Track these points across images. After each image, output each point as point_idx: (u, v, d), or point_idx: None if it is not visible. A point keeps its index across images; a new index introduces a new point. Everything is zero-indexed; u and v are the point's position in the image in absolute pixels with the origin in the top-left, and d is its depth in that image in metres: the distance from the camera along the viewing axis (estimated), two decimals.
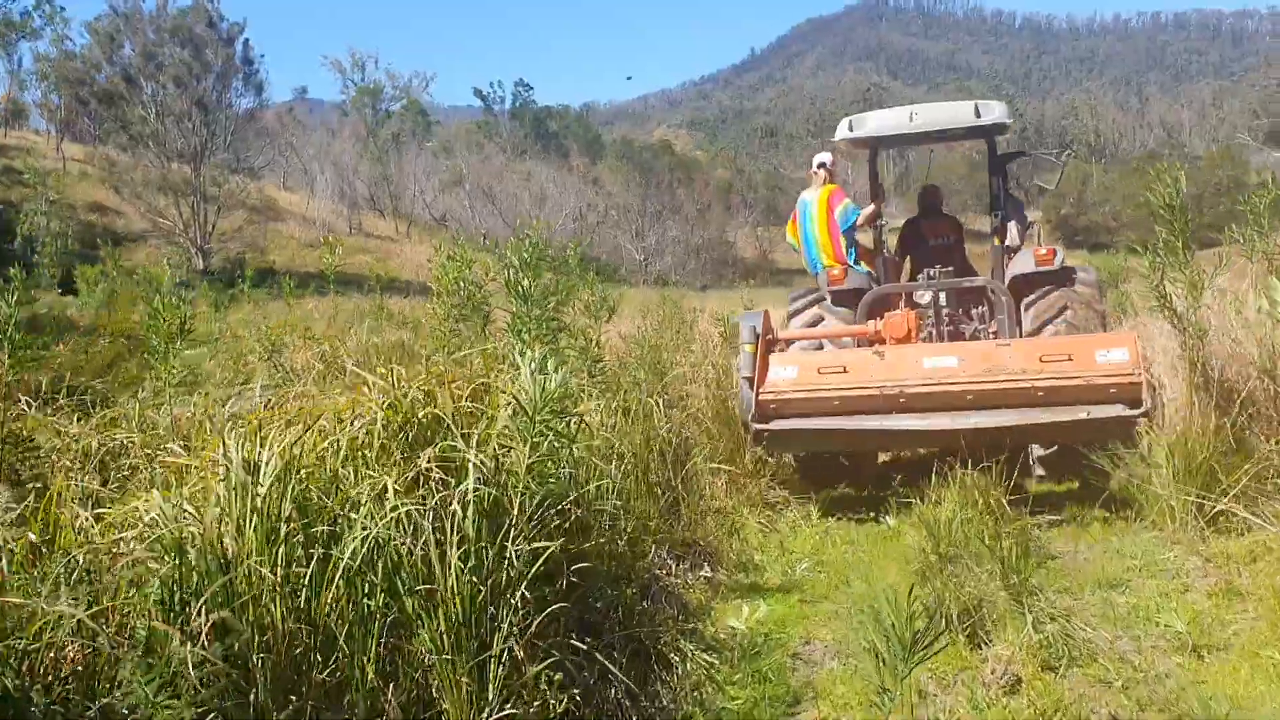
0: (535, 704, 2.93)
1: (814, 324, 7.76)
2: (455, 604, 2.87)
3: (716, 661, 3.87)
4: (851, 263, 8.17)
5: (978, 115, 7.84)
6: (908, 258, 9.07)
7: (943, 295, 8.00)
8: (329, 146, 79.58)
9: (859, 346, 7.23)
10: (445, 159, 76.80)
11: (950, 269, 8.31)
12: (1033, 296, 7.35)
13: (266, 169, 62.22)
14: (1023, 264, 7.53)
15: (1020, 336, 7.13)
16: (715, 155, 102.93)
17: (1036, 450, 6.92)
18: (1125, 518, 5.92)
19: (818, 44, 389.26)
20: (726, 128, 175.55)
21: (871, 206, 8.56)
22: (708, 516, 5.77)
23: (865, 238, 8.71)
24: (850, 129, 8.09)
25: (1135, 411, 5.73)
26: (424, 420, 3.35)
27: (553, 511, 3.24)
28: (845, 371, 6.47)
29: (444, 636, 2.86)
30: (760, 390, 6.52)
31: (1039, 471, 6.93)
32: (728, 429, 6.70)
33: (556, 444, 3.24)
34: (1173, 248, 5.60)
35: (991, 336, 7.75)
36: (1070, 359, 6.09)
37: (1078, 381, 5.96)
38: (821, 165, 8.55)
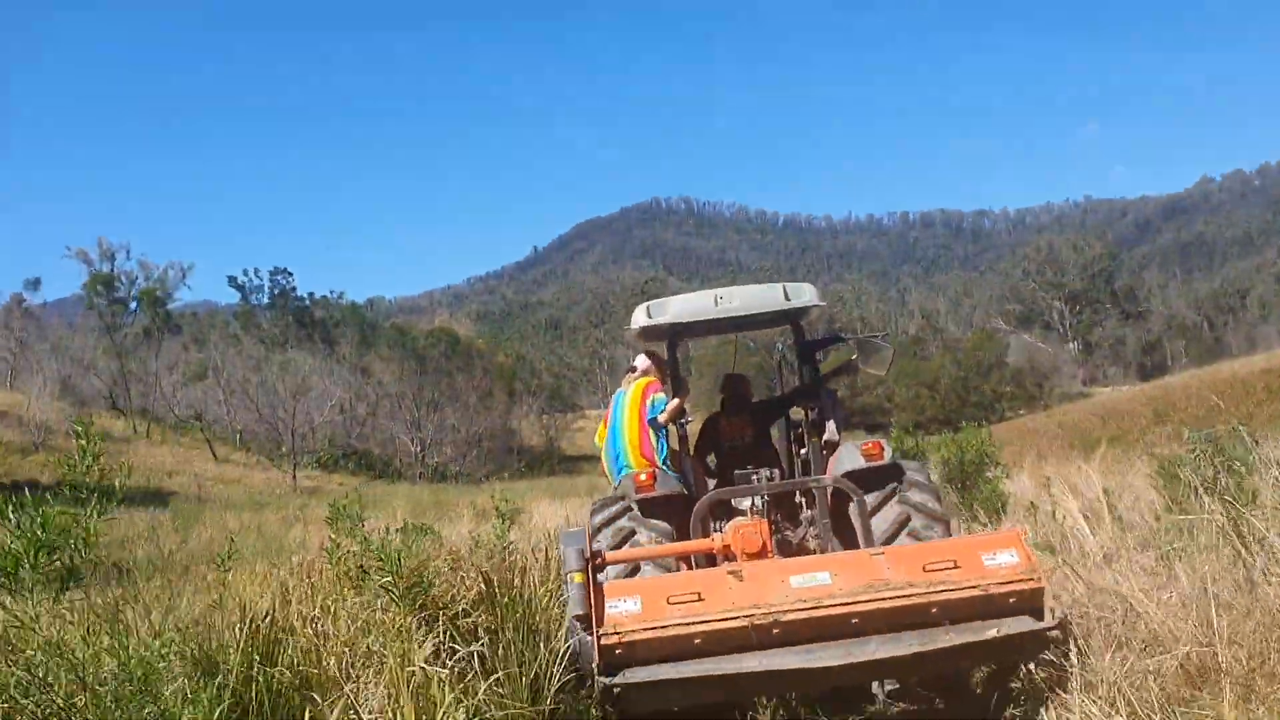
0: None
1: (624, 540, 6.78)
2: None
3: None
4: (662, 462, 7.61)
5: (787, 298, 7.39)
6: (709, 458, 8.35)
7: (759, 500, 7.12)
8: (69, 341, 72.31)
9: (679, 566, 6.57)
10: (197, 352, 70.49)
11: (771, 470, 7.42)
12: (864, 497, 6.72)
13: None
14: (849, 461, 6.93)
15: (873, 543, 6.43)
16: (501, 342, 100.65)
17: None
18: None
19: (597, 242, 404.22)
20: (512, 320, 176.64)
21: (675, 401, 7.71)
22: None
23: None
24: (649, 315, 7.43)
25: (1045, 625, 5.10)
26: None
27: None
28: (700, 599, 5.42)
29: None
30: (600, 632, 5.25)
31: (892, 705, 6.27)
32: None
33: None
34: None
35: (817, 544, 7.00)
36: (957, 565, 5.34)
37: (974, 592, 5.24)
38: (634, 368, 8.19)
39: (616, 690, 5.24)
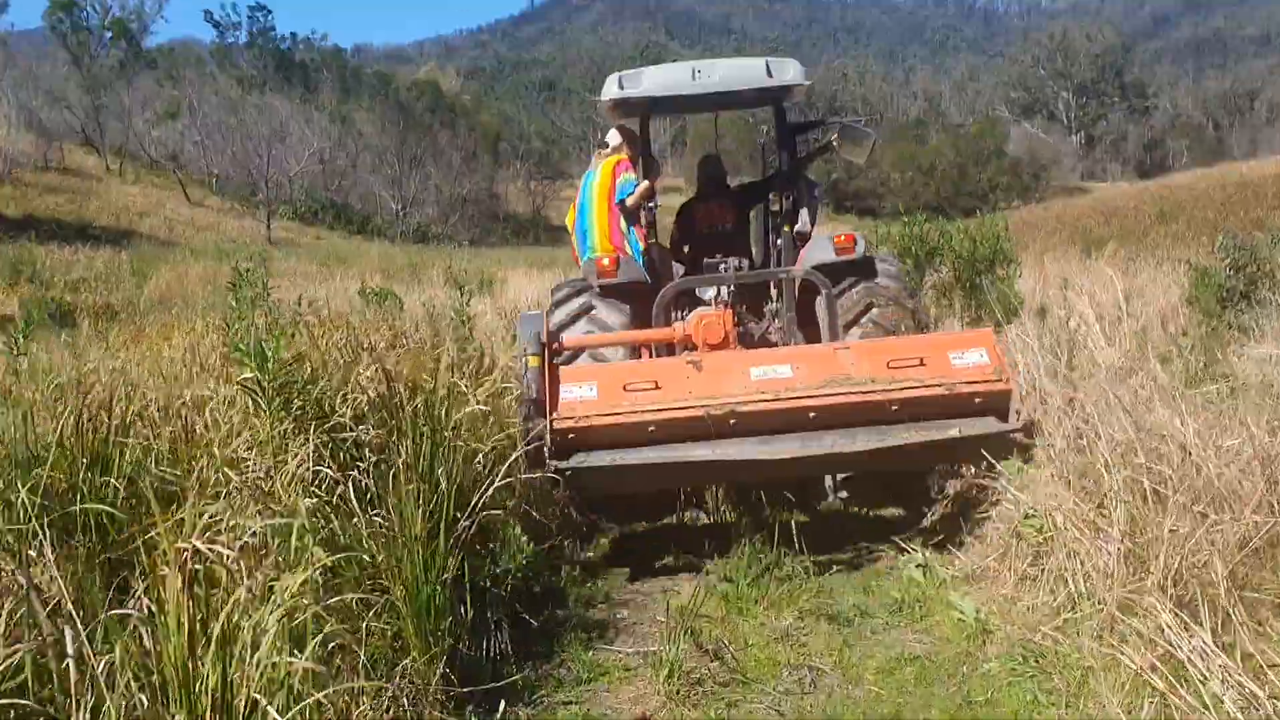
0: None
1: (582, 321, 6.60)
2: None
3: None
4: (631, 243, 7.43)
5: (770, 75, 6.87)
6: (686, 246, 7.98)
7: (724, 290, 6.81)
8: (39, 71, 68.61)
9: (637, 354, 6.40)
10: (172, 89, 67.08)
11: (740, 260, 7.14)
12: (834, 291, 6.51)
13: None
14: (819, 253, 6.67)
15: (838, 338, 6.29)
16: (490, 100, 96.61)
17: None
18: None
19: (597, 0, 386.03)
20: (504, 78, 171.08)
21: (645, 183, 7.39)
22: None
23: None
24: (621, 87, 6.94)
25: (1009, 426, 5.04)
26: None
27: None
28: (658, 387, 5.31)
29: None
30: (554, 417, 5.18)
31: (841, 494, 5.95)
32: None
33: None
34: None
35: (779, 337, 6.85)
36: (923, 363, 5.22)
37: (938, 391, 5.12)
38: (605, 144, 7.85)
39: (568, 474, 5.19)
